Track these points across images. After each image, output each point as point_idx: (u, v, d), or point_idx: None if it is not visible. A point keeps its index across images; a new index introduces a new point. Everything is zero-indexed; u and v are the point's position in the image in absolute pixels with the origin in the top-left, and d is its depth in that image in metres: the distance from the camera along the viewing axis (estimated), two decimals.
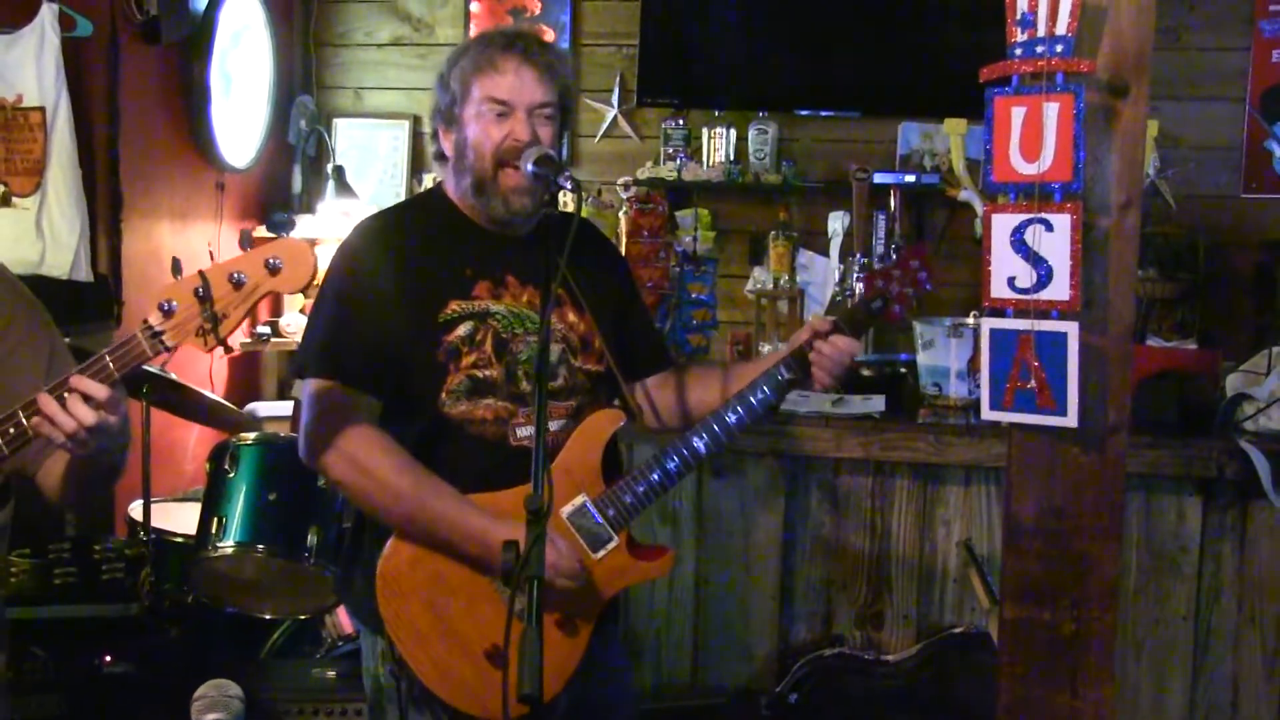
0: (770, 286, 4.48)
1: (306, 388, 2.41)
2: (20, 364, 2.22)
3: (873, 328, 2.56)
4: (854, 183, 4.40)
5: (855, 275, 4.24)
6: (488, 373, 2.39)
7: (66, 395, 1.93)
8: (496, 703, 2.29)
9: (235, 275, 1.93)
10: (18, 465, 2.24)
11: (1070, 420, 2.20)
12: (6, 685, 2.35)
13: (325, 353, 2.39)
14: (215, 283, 1.93)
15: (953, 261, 4.82)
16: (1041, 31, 2.18)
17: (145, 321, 1.94)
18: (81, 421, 1.93)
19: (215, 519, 3.35)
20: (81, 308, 4.13)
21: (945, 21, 4.90)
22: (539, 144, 2.37)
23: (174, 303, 1.93)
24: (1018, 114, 2.21)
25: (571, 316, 2.50)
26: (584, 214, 2.49)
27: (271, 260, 1.94)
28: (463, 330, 2.39)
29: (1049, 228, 2.19)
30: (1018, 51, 2.21)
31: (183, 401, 3.90)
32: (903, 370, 4.00)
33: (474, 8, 5.48)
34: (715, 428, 2.44)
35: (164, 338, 1.93)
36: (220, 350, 1.99)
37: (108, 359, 1.95)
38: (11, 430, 1.98)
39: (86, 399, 1.93)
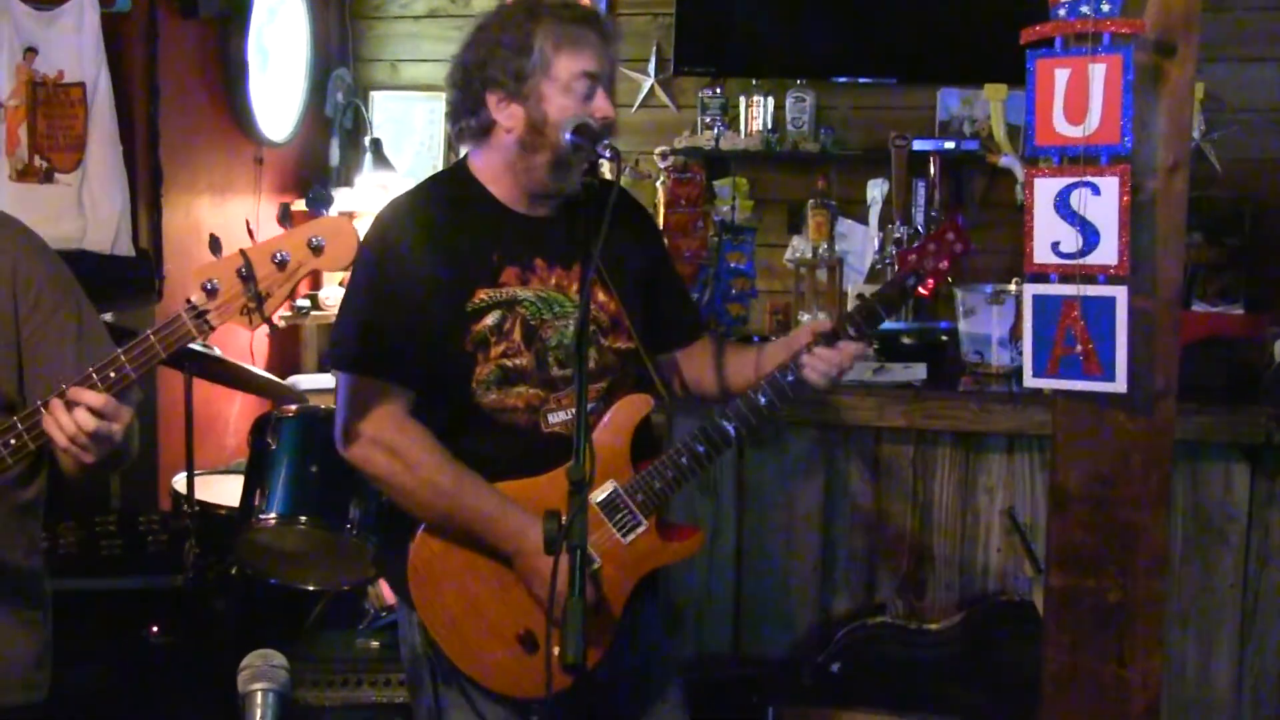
0: (809, 255, 4.44)
1: (341, 381, 2.40)
2: (51, 336, 2.23)
3: (909, 303, 2.52)
4: (893, 150, 4.37)
5: (894, 244, 4.20)
6: (518, 361, 2.37)
7: (67, 404, 1.94)
8: (529, 683, 2.35)
9: (278, 254, 1.91)
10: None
11: (1119, 386, 2.18)
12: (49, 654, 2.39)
13: (357, 347, 2.37)
14: (258, 262, 1.91)
15: (993, 228, 4.76)
16: None
17: (189, 301, 1.93)
18: (82, 428, 1.94)
19: (258, 491, 3.35)
20: (123, 283, 4.15)
21: None
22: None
23: (216, 282, 1.91)
24: (1061, 76, 2.18)
25: (601, 296, 2.45)
26: (622, 184, 2.44)
27: (314, 239, 1.92)
28: (491, 319, 2.36)
29: (1095, 191, 2.16)
30: (1061, 12, 2.18)
31: (226, 374, 3.92)
32: (944, 338, 3.96)
33: None
34: (744, 409, 2.43)
35: (208, 317, 1.92)
36: (265, 328, 1.97)
37: (153, 339, 1.94)
38: (34, 427, 1.99)
39: (89, 409, 1.93)
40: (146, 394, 2.77)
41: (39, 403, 1.98)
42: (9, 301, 2.22)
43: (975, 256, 2.54)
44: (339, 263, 1.96)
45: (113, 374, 1.96)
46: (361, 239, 2.43)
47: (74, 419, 1.94)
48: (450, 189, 2.49)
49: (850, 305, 4.27)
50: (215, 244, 1.98)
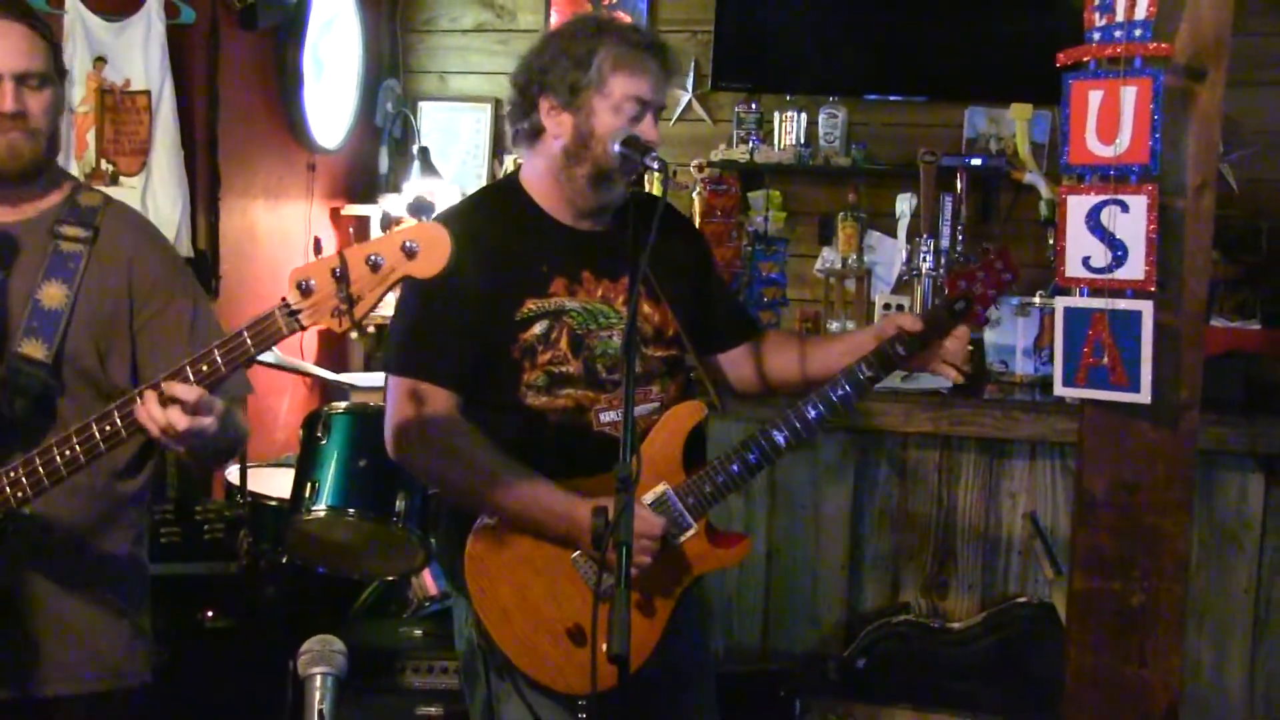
0: (839, 266, 4.46)
1: (390, 384, 2.41)
2: (166, 320, 2.26)
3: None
4: (922, 165, 4.37)
5: (922, 255, 4.21)
6: (565, 369, 2.38)
7: (162, 398, 1.93)
8: (577, 678, 2.34)
9: (373, 257, 1.85)
10: None
11: (1144, 397, 2.18)
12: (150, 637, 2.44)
13: (409, 352, 2.39)
14: (353, 264, 1.85)
15: (1018, 242, 4.76)
16: (1120, 16, 2.15)
17: (284, 300, 1.88)
18: (173, 425, 1.93)
19: (308, 484, 3.37)
20: None
21: (1011, 7, 4.84)
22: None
23: (312, 281, 1.86)
24: (1094, 97, 2.19)
25: (646, 308, 2.47)
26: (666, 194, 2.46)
27: (409, 244, 1.85)
28: (539, 328, 2.37)
29: (1125, 209, 2.17)
30: (1095, 37, 2.19)
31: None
32: (970, 348, 3.95)
33: None
34: (795, 422, 2.41)
35: (300, 317, 1.88)
36: (355, 332, 1.92)
37: (246, 336, 1.92)
38: (129, 413, 1.99)
39: (180, 402, 1.92)
40: None
41: (135, 391, 1.98)
42: (124, 291, 2.24)
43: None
44: (432, 269, 1.88)
45: (205, 368, 1.94)
46: None
47: (166, 414, 1.93)
48: (501, 201, 2.50)
49: (878, 315, 4.30)
50: (318, 245, 1.95)
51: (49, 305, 2.18)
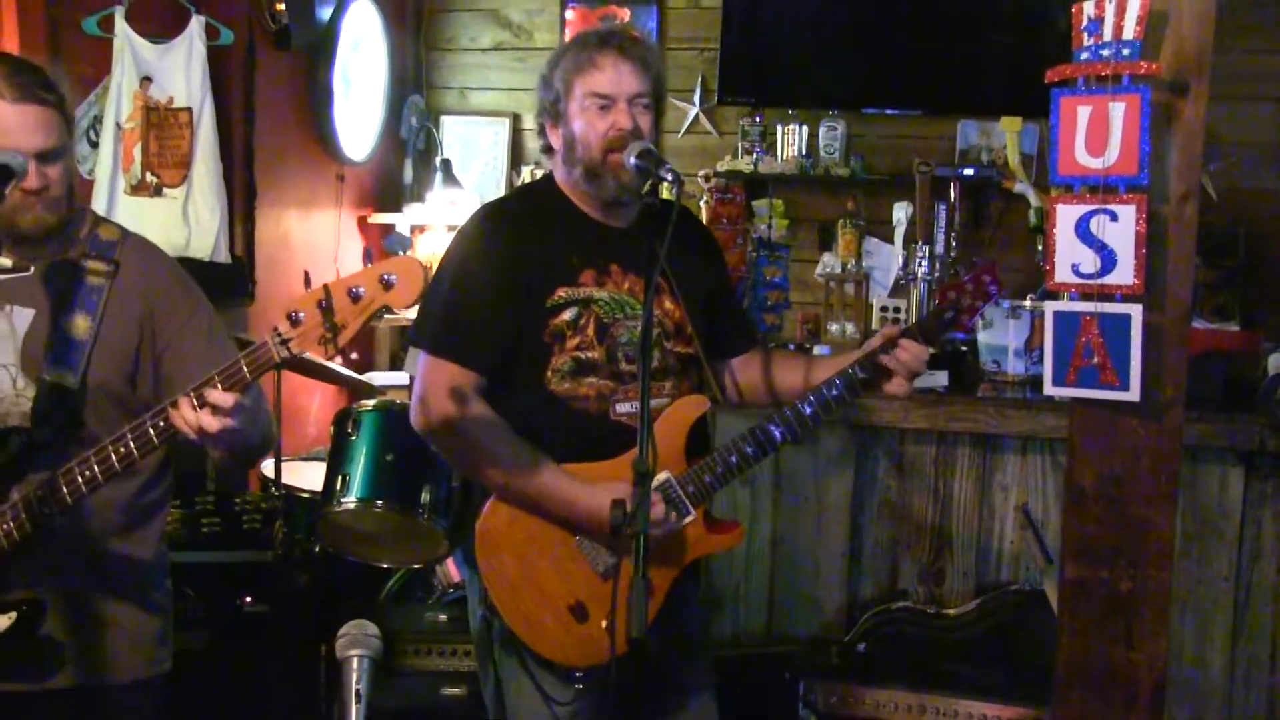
0: (838, 271, 4.46)
1: (420, 361, 2.43)
2: (186, 338, 2.30)
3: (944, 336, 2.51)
4: (917, 176, 4.36)
5: (918, 261, 4.21)
6: (590, 354, 2.40)
7: (199, 400, 1.98)
8: (576, 652, 2.38)
9: (354, 290, 1.94)
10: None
11: (1133, 395, 2.18)
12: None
13: (438, 331, 2.40)
14: (336, 295, 1.93)
15: (1008, 249, 4.77)
16: (1108, 36, 2.15)
17: (275, 329, 1.95)
18: (206, 428, 1.98)
19: (339, 477, 3.38)
20: (220, 286, 4.19)
21: (1001, 27, 4.85)
22: (640, 132, 2.38)
23: (301, 313, 1.93)
24: (1083, 113, 2.19)
25: (668, 304, 2.50)
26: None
27: (386, 276, 1.93)
28: (568, 315, 2.40)
29: (1114, 218, 2.17)
30: (1084, 55, 2.19)
31: (312, 369, 3.98)
32: (964, 348, 3.96)
33: (569, 15, 5.49)
34: (791, 418, 2.43)
35: (290, 344, 1.95)
36: (339, 356, 1.99)
37: (243, 364, 1.98)
38: (161, 423, 2.04)
39: (215, 409, 1.97)
40: None
41: (167, 402, 2.03)
42: (145, 316, 2.29)
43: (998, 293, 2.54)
44: (407, 300, 1.97)
45: (199, 399, 2.00)
46: (457, 232, 2.50)
47: (199, 417, 1.98)
48: (538, 198, 2.56)
49: (875, 317, 4.30)
50: (307, 279, 2.01)
51: (75, 336, 2.23)
